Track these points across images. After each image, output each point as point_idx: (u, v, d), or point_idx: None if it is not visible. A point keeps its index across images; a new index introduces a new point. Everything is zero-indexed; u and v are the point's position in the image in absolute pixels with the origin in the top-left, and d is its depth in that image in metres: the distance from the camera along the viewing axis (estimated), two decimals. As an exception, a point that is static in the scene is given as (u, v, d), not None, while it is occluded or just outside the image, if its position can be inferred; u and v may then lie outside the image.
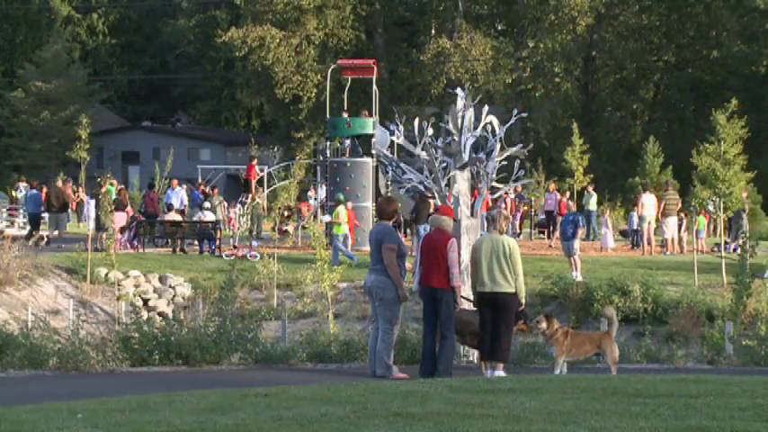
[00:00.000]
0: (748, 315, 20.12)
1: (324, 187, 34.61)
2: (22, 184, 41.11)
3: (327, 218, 30.75)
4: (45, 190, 34.11)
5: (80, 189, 41.81)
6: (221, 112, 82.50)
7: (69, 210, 35.20)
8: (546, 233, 37.17)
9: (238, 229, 34.94)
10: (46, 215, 33.86)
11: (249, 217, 36.66)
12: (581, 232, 28.72)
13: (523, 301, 13.79)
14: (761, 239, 31.15)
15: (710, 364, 15.87)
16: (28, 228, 34.34)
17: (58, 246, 31.52)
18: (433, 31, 60.38)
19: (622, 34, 59.31)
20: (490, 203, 28.22)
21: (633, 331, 22.45)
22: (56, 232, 32.89)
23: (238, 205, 36.75)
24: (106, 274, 27.01)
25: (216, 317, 15.21)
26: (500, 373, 13.28)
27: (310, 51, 56.89)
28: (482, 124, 17.82)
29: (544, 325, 13.89)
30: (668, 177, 40.40)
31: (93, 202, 33.07)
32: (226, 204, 35.48)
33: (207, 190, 36.25)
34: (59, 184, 35.00)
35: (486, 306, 13.61)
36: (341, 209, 29.64)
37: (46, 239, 32.68)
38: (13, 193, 41.12)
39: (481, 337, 13.80)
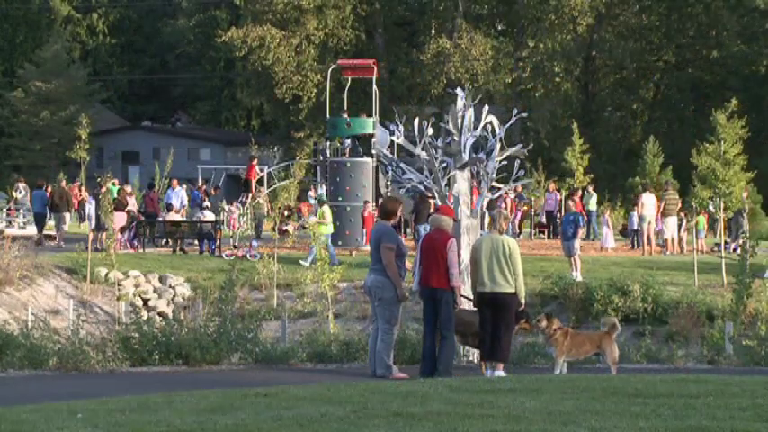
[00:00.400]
0: (748, 315, 20.12)
1: (324, 187, 34.63)
2: (21, 185, 41.10)
3: (313, 219, 30.90)
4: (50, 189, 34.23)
5: (81, 189, 41.79)
6: (221, 112, 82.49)
7: (71, 209, 35.16)
8: (546, 233, 37.18)
9: (238, 229, 34.96)
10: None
11: (250, 217, 36.72)
12: (581, 232, 28.71)
13: (523, 301, 13.80)
14: (761, 239, 31.14)
15: (710, 364, 15.87)
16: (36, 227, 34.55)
17: (58, 245, 31.57)
18: (433, 31, 60.34)
19: (622, 34, 59.28)
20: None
21: (633, 331, 22.45)
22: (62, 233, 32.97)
23: (238, 205, 36.77)
24: (106, 274, 27.02)
25: (216, 317, 15.21)
26: (500, 373, 13.29)
27: (310, 51, 56.87)
28: (482, 124, 17.83)
29: (544, 324, 13.90)
30: (668, 177, 40.36)
31: (94, 202, 33.13)
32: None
33: (211, 191, 36.21)
34: (63, 184, 35.07)
35: (485, 306, 13.61)
36: (325, 209, 29.88)
37: (58, 239, 32.72)
38: (14, 193, 41.08)
39: (482, 337, 13.81)
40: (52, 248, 31.00)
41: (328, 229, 29.37)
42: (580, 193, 35.88)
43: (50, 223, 34.30)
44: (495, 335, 13.55)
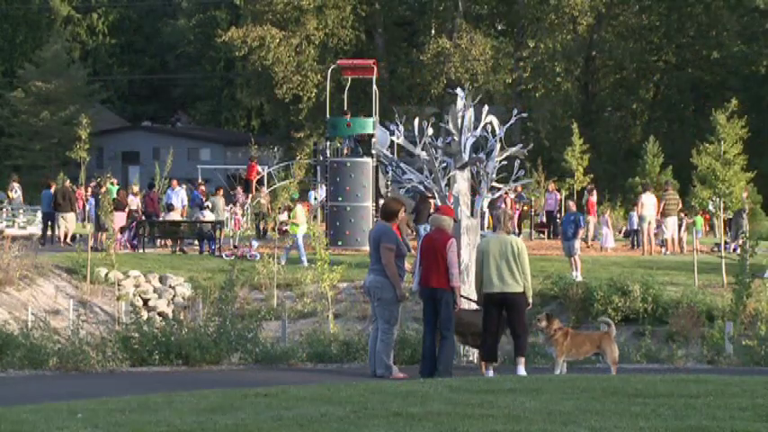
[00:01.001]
0: (748, 315, 20.11)
1: (324, 187, 34.61)
2: (16, 184, 41.11)
3: (284, 217, 30.92)
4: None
5: (86, 189, 41.68)
6: (221, 112, 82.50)
7: (75, 209, 35.19)
8: (546, 233, 37.17)
9: (239, 229, 34.96)
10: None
11: (251, 217, 36.74)
12: (581, 232, 28.73)
13: (530, 300, 13.78)
14: (761, 239, 31.14)
15: (710, 364, 15.88)
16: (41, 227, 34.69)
17: (66, 244, 31.58)
18: (433, 31, 60.34)
19: (622, 34, 59.27)
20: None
21: (633, 331, 22.45)
22: (67, 232, 32.97)
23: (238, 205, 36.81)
24: (106, 274, 27.02)
25: (216, 317, 15.21)
26: (522, 370, 13.27)
27: (310, 51, 56.87)
28: (482, 124, 17.85)
29: (544, 324, 13.88)
30: (668, 177, 40.36)
31: (94, 202, 33.18)
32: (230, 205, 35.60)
33: (214, 192, 36.20)
34: (68, 183, 35.14)
35: (493, 306, 13.57)
36: (298, 208, 29.93)
37: (62, 239, 32.74)
38: (9, 193, 41.08)
39: (484, 338, 13.78)
40: (54, 248, 31.00)
41: (301, 229, 29.45)
42: (594, 193, 35.92)
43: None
44: (513, 334, 13.62)
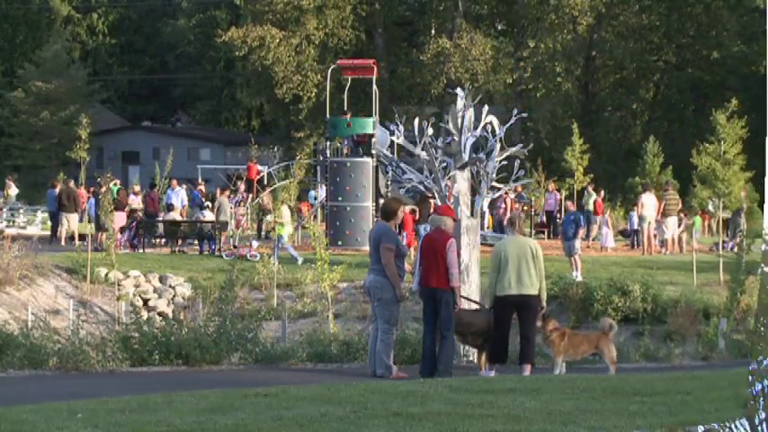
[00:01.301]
0: (741, 311, 20.17)
1: (324, 187, 34.61)
2: (12, 182, 41.13)
3: (270, 217, 30.92)
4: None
5: (87, 189, 41.63)
6: (221, 112, 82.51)
7: (78, 209, 35.23)
8: (546, 233, 37.18)
9: (240, 229, 34.94)
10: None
11: (251, 216, 36.72)
12: (581, 232, 28.75)
13: (544, 304, 13.74)
14: (758, 237, 31.12)
15: (704, 361, 15.98)
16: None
17: (57, 245, 31.60)
18: (433, 31, 60.34)
19: (622, 34, 59.27)
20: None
21: (632, 331, 22.48)
22: (71, 233, 33.02)
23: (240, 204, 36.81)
24: (106, 274, 27.03)
25: (216, 317, 15.23)
26: (527, 374, 13.27)
27: (310, 51, 56.89)
28: (482, 124, 17.88)
29: (540, 324, 13.89)
30: (668, 177, 40.38)
31: (94, 202, 33.21)
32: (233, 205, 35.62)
33: (217, 193, 36.19)
34: (72, 184, 35.21)
35: (509, 309, 13.53)
36: (284, 209, 29.97)
37: (80, 237, 32.79)
38: (8, 191, 41.09)
39: (493, 338, 13.70)
40: (54, 248, 31.02)
41: (286, 229, 29.45)
42: (602, 193, 35.91)
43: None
44: (523, 336, 13.56)
